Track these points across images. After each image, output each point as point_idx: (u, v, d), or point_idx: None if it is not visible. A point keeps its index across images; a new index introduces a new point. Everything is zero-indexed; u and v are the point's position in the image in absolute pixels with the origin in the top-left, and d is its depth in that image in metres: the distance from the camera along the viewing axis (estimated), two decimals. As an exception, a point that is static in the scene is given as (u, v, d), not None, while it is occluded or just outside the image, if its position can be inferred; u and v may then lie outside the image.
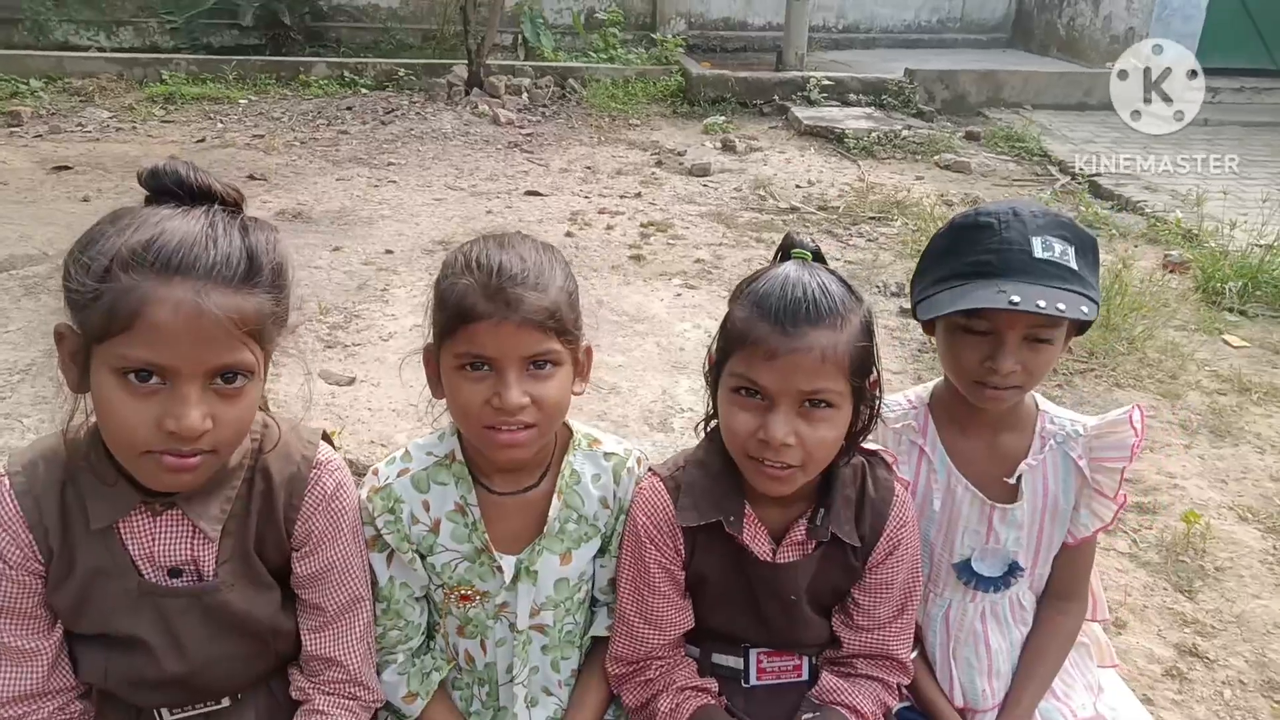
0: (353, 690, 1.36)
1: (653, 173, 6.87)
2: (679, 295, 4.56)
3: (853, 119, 8.08)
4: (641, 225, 5.67)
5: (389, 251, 4.97)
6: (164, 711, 1.31)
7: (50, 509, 1.18)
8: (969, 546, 1.58)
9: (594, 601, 1.53)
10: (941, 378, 1.60)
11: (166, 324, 1.03)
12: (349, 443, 3.14)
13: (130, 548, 1.22)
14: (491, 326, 1.25)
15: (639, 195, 6.30)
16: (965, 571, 1.59)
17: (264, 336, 1.12)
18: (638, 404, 3.46)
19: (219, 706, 1.33)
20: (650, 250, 5.27)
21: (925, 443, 1.58)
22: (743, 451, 1.33)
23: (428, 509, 1.40)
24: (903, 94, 8.69)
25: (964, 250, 1.42)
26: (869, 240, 5.55)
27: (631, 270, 4.98)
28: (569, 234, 5.46)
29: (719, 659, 1.50)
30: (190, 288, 1.04)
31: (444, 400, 1.37)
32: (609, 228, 5.60)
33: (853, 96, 8.68)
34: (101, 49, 9.74)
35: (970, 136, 8.06)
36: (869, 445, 1.45)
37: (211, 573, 1.25)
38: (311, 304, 4.23)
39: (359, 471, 1.91)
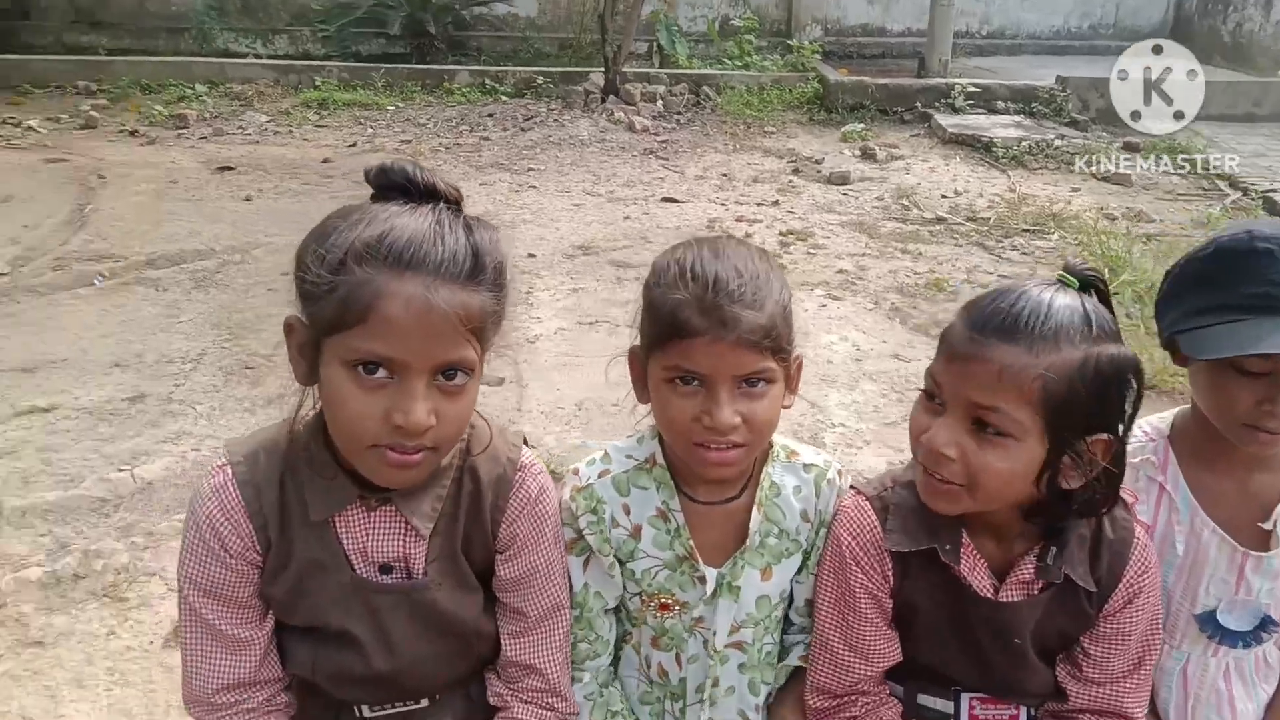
0: (550, 700, 1.34)
1: (790, 180, 6.77)
2: (823, 306, 4.46)
3: (1001, 127, 7.78)
4: (780, 234, 5.57)
5: (531, 255, 5.03)
6: (364, 708, 1.31)
7: (270, 500, 1.20)
8: (1214, 596, 1.44)
9: (787, 624, 1.47)
10: (1184, 408, 1.47)
11: (398, 318, 1.04)
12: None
13: (344, 542, 1.23)
14: (705, 345, 1.21)
15: (776, 203, 6.21)
16: (1209, 624, 1.45)
17: (484, 335, 1.13)
18: (787, 419, 3.36)
19: (417, 707, 1.32)
20: (790, 260, 5.17)
21: (1166, 480, 1.45)
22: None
23: (628, 513, 1.37)
24: (1054, 102, 8.33)
25: (1237, 279, 1.29)
26: (1024, 254, 5.31)
27: (773, 279, 4.89)
28: (707, 241, 5.41)
29: (926, 700, 1.41)
30: (421, 283, 1.05)
31: (646, 405, 1.33)
32: (747, 235, 5.53)
33: (1000, 104, 8.36)
34: (259, 56, 10.25)
35: (1129, 147, 7.63)
36: None
37: (421, 571, 1.25)
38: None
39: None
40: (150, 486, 2.91)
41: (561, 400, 3.51)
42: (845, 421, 3.38)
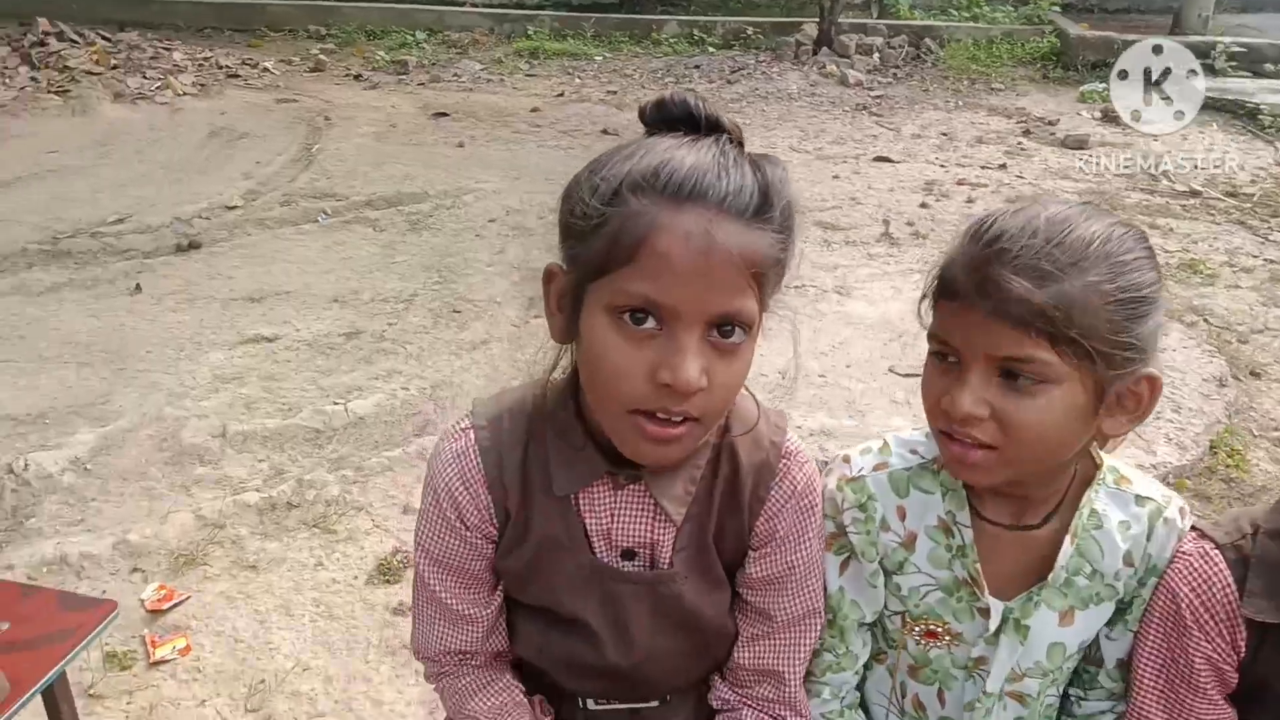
0: (782, 712, 1.18)
1: (1019, 143, 6.23)
2: (1056, 282, 4.05)
3: (1269, 92, 6.87)
4: (1007, 200, 5.12)
5: (736, 211, 4.85)
6: (589, 701, 1.20)
7: (512, 469, 1.10)
8: None
9: (1092, 684, 1.22)
10: None
11: (675, 254, 0.90)
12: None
13: (588, 520, 1.11)
14: (957, 311, 1.00)
15: (1003, 167, 5.73)
16: None
17: (765, 285, 0.96)
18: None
19: (646, 706, 1.20)
20: (1018, 229, 4.73)
21: None
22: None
23: (903, 517, 1.16)
24: (1337, 64, 7.27)
25: None
26: (1296, 236, 4.65)
27: (997, 249, 4.50)
28: (923, 204, 5.06)
29: None
30: (702, 216, 0.90)
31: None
32: (969, 200, 5.13)
33: (1269, 66, 7.38)
34: (475, 4, 10.45)
35: None
36: None
37: (666, 560, 1.12)
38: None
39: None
40: (361, 421, 2.97)
41: (761, 367, 3.34)
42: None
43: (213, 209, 4.72)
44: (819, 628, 1.19)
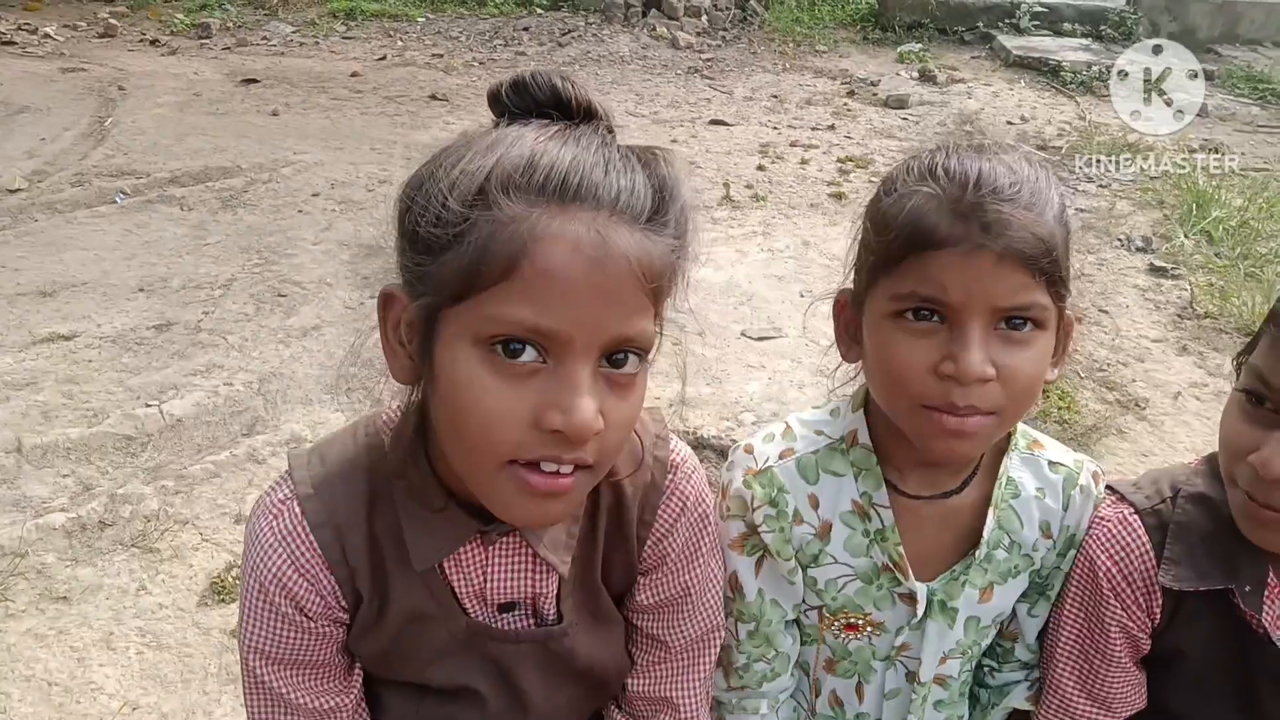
0: None
1: (844, 103, 6.37)
2: (891, 239, 4.15)
3: (1068, 50, 7.30)
4: (839, 160, 5.23)
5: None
6: None
7: (356, 543, 0.93)
8: None
9: (1006, 655, 1.19)
10: None
11: (563, 268, 0.74)
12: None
13: (456, 585, 0.95)
14: (959, 258, 0.89)
15: (832, 128, 5.83)
16: None
17: (660, 299, 0.83)
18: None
19: None
20: (851, 188, 4.84)
21: None
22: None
23: (815, 506, 1.07)
24: (1124, 25, 7.80)
25: None
26: (1100, 185, 4.95)
27: (833, 209, 4.57)
28: (760, 167, 5.09)
29: None
30: (592, 220, 0.75)
31: (854, 365, 1.05)
32: (803, 162, 5.19)
33: (1067, 26, 7.84)
34: (283, -36, 9.77)
35: (1204, 75, 7.17)
36: None
37: (551, 612, 0.99)
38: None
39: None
40: (180, 424, 2.69)
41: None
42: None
43: (-10, 192, 4.19)
44: (718, 645, 1.10)
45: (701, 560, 1.04)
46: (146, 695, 1.90)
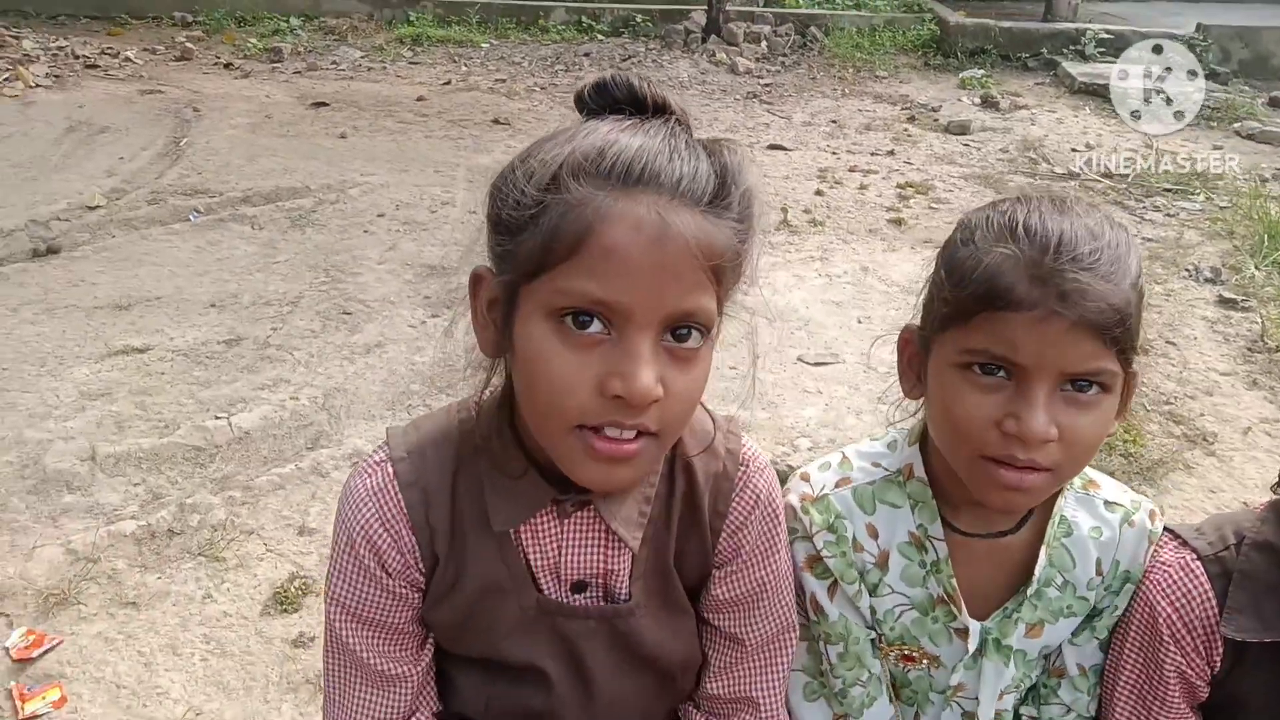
0: None
1: (905, 129, 6.34)
2: (951, 266, 4.11)
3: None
4: (898, 186, 5.20)
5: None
6: None
7: (440, 506, 0.98)
8: None
9: (1041, 693, 1.16)
10: None
11: (625, 246, 0.80)
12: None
13: (531, 556, 0.99)
14: (1032, 322, 0.90)
15: (891, 153, 5.81)
16: None
17: (724, 282, 0.87)
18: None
19: None
20: (911, 214, 4.81)
21: None
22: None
23: (874, 535, 1.09)
24: (1193, 51, 7.65)
25: None
26: (1168, 215, 4.85)
27: (892, 235, 4.55)
28: (819, 192, 5.09)
29: None
30: (654, 203, 0.81)
31: (917, 400, 1.07)
32: (862, 187, 5.18)
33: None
34: (352, -9, 10.06)
35: (1274, 103, 7.02)
36: None
37: (623, 590, 1.01)
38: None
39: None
40: (248, 436, 2.77)
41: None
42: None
43: (72, 210, 4.36)
44: (794, 644, 1.11)
45: (776, 557, 1.06)
46: (210, 701, 1.94)
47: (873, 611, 1.11)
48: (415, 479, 0.97)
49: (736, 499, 1.03)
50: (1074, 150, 5.89)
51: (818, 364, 3.33)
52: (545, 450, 0.90)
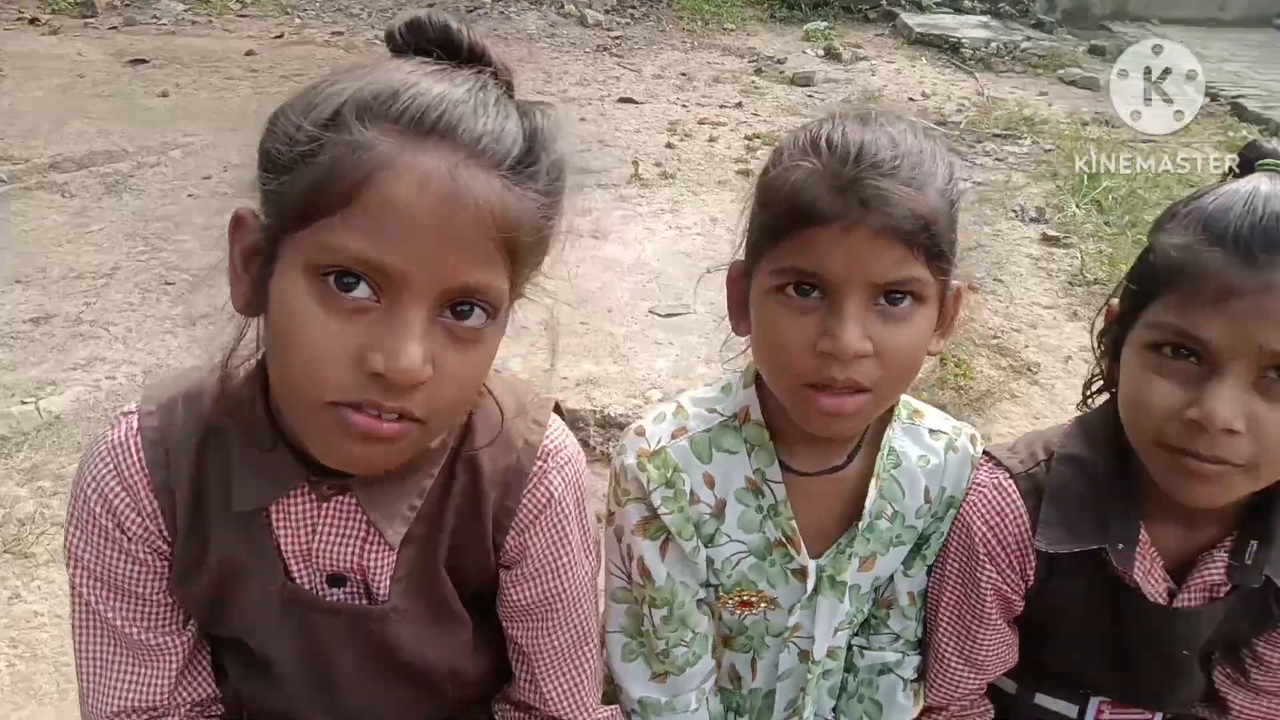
0: None
1: (752, 81, 6.40)
2: (796, 214, 4.18)
3: (968, 28, 7.47)
4: (746, 137, 5.25)
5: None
6: None
7: (182, 470, 0.88)
8: None
9: (871, 624, 1.17)
10: None
11: (406, 201, 0.70)
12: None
13: (282, 540, 0.90)
14: (837, 233, 0.87)
15: (739, 105, 5.85)
16: None
17: (520, 259, 0.79)
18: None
19: None
20: (758, 165, 4.82)
21: None
22: (1156, 439, 0.94)
23: (711, 485, 1.05)
24: (1021, 2, 8.01)
25: None
26: (997, 160, 5.07)
27: (741, 186, 4.58)
28: (669, 145, 5.08)
29: (1047, 702, 1.18)
30: (447, 158, 0.72)
31: (746, 337, 1.03)
32: (711, 139, 5.20)
33: (967, 3, 8.02)
34: (173, -61, 9.35)
35: (1095, 51, 7.42)
36: None
37: (384, 590, 0.92)
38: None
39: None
40: (58, 421, 2.56)
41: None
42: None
43: None
44: (593, 657, 1.06)
45: (569, 566, 0.99)
46: (19, 710, 1.80)
47: (711, 562, 1.09)
48: (160, 437, 0.88)
49: (528, 496, 0.95)
50: (910, 99, 6.08)
51: (669, 315, 3.34)
52: (292, 423, 0.81)
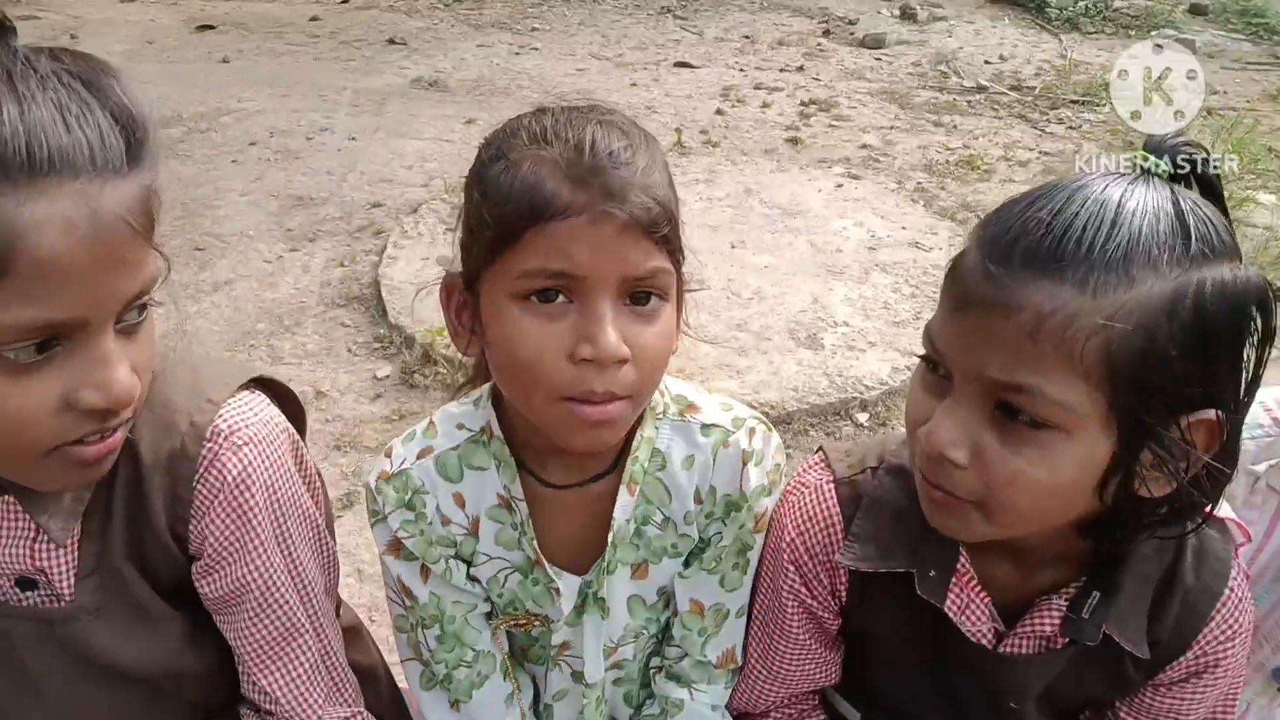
0: None
1: (819, 44, 6.17)
2: (840, 186, 4.01)
3: (1056, -15, 7.03)
4: (801, 104, 5.06)
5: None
6: None
7: None
8: None
9: (664, 641, 1.09)
10: None
11: (63, 256, 0.68)
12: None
13: None
14: (585, 226, 0.80)
15: (801, 69, 5.65)
16: None
17: (150, 230, 0.77)
18: (784, 313, 3.01)
19: None
20: (810, 133, 4.69)
21: None
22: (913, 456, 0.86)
23: (462, 504, 0.99)
24: (1118, -43, 7.50)
25: None
26: (1070, 128, 4.78)
27: (787, 155, 4.43)
28: (719, 111, 4.94)
29: None
30: (77, 193, 0.70)
31: (474, 356, 0.97)
32: (765, 105, 5.03)
33: (1058, -41, 7.55)
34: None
35: (1195, 10, 6.91)
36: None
37: (69, 590, 0.88)
38: (439, 181, 3.93)
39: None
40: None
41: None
42: (849, 320, 3.01)
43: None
44: (311, 650, 0.99)
45: (255, 553, 0.92)
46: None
47: (478, 581, 1.02)
48: None
49: (200, 482, 0.88)
50: (987, 63, 5.78)
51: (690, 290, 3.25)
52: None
